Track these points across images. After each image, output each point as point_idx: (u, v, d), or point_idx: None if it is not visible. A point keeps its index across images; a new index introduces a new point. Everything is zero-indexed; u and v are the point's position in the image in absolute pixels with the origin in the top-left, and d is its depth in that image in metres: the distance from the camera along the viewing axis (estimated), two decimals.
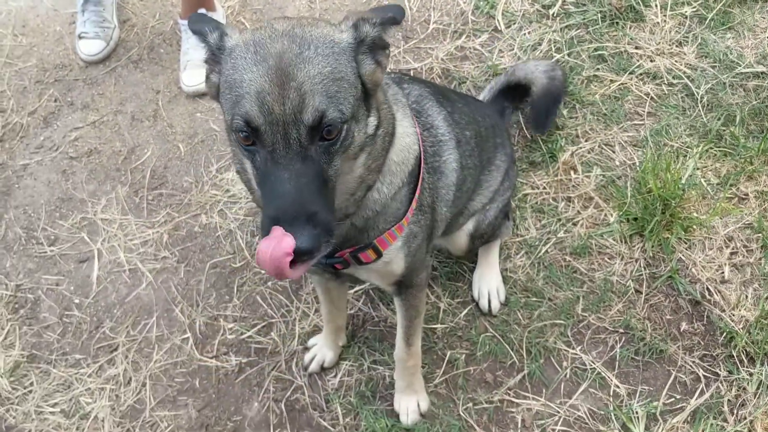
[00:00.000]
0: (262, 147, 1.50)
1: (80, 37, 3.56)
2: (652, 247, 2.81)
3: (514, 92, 3.05)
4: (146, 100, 3.47)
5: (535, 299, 2.79)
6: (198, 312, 2.90)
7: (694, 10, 3.37)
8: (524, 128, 3.15)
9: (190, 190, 3.19)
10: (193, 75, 3.39)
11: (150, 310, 2.94)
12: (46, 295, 3.00)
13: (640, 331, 2.68)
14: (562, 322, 2.73)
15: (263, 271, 2.87)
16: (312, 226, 1.43)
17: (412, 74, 3.33)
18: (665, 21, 3.35)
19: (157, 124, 3.40)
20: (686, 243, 2.84)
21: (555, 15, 3.43)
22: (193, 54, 3.42)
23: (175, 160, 3.29)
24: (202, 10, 3.42)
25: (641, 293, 2.76)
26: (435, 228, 2.20)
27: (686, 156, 3.00)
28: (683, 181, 2.88)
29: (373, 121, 1.65)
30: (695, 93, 3.15)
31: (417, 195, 1.93)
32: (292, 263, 1.43)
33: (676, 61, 3.26)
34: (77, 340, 2.90)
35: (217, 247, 3.05)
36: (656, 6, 3.38)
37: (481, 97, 3.07)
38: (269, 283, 2.93)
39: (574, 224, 2.93)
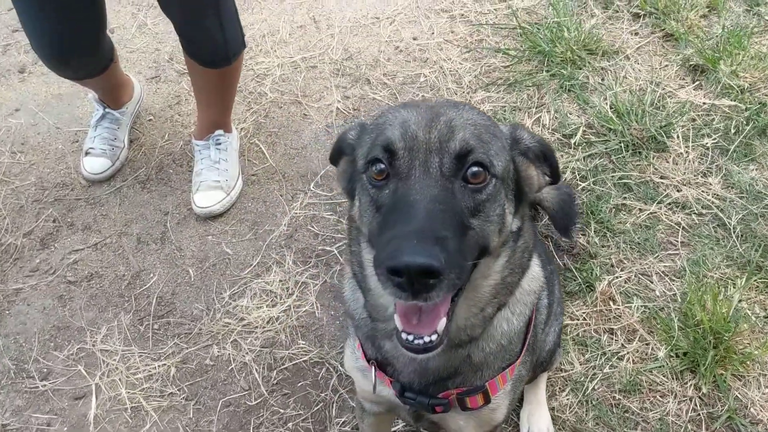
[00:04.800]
0: (395, 176, 1.44)
1: (86, 154, 3.45)
2: (706, 384, 2.68)
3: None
4: (153, 221, 3.33)
5: None
6: None
7: (715, 141, 3.44)
8: (557, 258, 3.08)
9: (200, 318, 2.99)
10: (206, 196, 3.28)
11: None
12: None
13: None
14: None
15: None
16: (439, 248, 1.27)
17: None
18: (688, 152, 3.41)
19: (164, 248, 3.23)
20: (741, 380, 2.72)
21: (576, 144, 3.46)
22: (206, 175, 3.33)
23: (184, 286, 3.11)
24: (219, 132, 3.38)
25: None
26: None
27: (727, 287, 2.95)
28: (729, 314, 2.80)
29: (517, 222, 1.60)
30: (727, 223, 3.15)
31: (530, 333, 1.83)
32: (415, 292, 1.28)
33: (703, 191, 3.28)
34: None
35: (231, 383, 2.82)
36: (678, 137, 3.45)
37: None
38: (290, 424, 2.70)
39: (620, 359, 2.80)
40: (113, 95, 3.52)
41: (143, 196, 3.42)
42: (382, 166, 1.45)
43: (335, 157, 1.78)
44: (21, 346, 2.94)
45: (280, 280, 3.09)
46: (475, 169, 1.43)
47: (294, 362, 2.85)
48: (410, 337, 1.39)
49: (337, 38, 4.04)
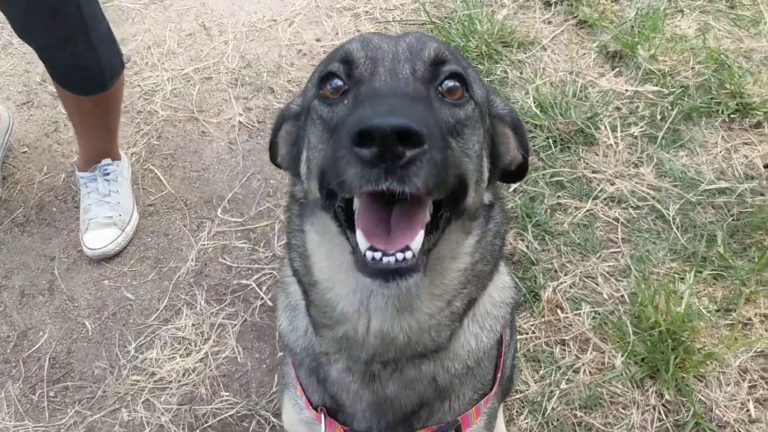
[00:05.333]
0: (355, 86, 1.22)
1: None
2: (668, 390, 2.54)
3: None
4: (38, 269, 2.90)
5: None
6: None
7: (642, 130, 3.33)
8: None
9: (103, 378, 2.61)
10: (98, 236, 2.89)
11: None
12: None
13: None
14: None
15: None
16: (420, 119, 1.03)
17: None
18: (617, 143, 3.27)
19: (54, 299, 2.82)
20: (702, 381, 2.59)
21: None
22: (95, 211, 2.93)
23: (81, 342, 2.71)
24: (107, 161, 2.99)
25: None
26: None
27: (675, 283, 2.82)
28: (681, 311, 2.67)
29: (489, 196, 1.39)
30: (665, 215, 3.03)
31: (502, 357, 1.61)
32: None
33: (636, 182, 3.15)
34: None
35: None
36: (605, 128, 3.31)
37: None
38: None
39: (576, 371, 2.61)
40: None
41: (23, 241, 2.98)
42: (339, 82, 1.23)
43: (276, 145, 1.54)
44: None
45: (193, 324, 2.74)
46: (451, 83, 1.24)
47: (219, 418, 2.51)
48: (377, 255, 1.07)
49: (231, 45, 3.69)
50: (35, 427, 2.50)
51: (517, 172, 1.51)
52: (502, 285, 1.57)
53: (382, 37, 1.28)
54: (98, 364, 2.64)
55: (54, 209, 3.09)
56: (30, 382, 2.61)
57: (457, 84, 1.24)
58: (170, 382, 2.59)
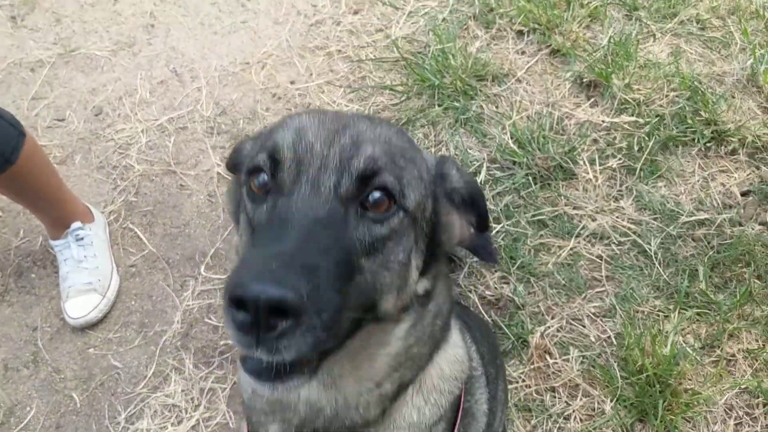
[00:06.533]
0: (277, 190, 1.19)
1: None
2: None
3: None
4: (20, 341, 2.91)
5: None
6: None
7: (620, 162, 3.40)
8: (484, 313, 2.93)
9: None
10: (79, 303, 2.90)
11: None
12: None
13: None
14: None
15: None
16: (305, 280, 1.01)
17: None
18: (596, 176, 3.34)
19: (39, 371, 2.83)
20: (690, 422, 2.68)
21: (483, 182, 3.32)
22: (73, 278, 2.94)
23: (70, 416, 2.73)
24: (76, 224, 2.99)
25: None
26: None
27: (660, 322, 2.90)
28: (666, 352, 2.75)
29: (425, 284, 1.35)
30: (647, 249, 3.10)
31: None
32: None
33: (617, 217, 3.23)
34: None
35: None
36: (584, 162, 3.38)
37: None
38: None
39: (567, 419, 2.69)
40: None
41: (4, 312, 2.98)
42: (265, 177, 1.22)
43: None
44: None
45: (183, 390, 2.77)
46: (378, 195, 1.19)
47: None
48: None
49: (205, 91, 3.71)
50: None
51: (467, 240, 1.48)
52: (453, 358, 1.55)
53: (318, 132, 1.23)
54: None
55: (33, 275, 3.09)
56: None
57: (384, 197, 1.20)
58: None
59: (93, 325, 2.92)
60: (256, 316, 0.97)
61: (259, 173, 1.23)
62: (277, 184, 1.20)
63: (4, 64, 3.78)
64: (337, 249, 1.11)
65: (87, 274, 2.95)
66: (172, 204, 3.31)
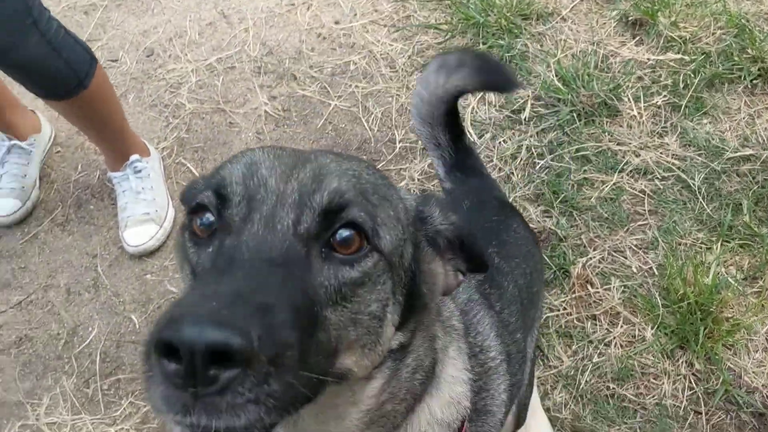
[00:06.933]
0: (223, 230, 1.02)
1: None
2: (698, 359, 2.68)
3: (453, 126, 2.22)
4: (82, 267, 3.07)
5: None
6: None
7: (666, 99, 3.41)
8: None
9: None
10: (137, 233, 3.05)
11: None
12: None
13: None
14: None
15: None
16: (257, 321, 0.82)
17: None
18: (640, 113, 3.37)
19: (99, 295, 2.99)
20: (731, 349, 2.73)
21: (527, 119, 3.37)
22: (132, 209, 3.08)
23: (130, 336, 2.89)
24: (135, 157, 3.13)
25: (700, 413, 2.60)
26: None
27: (702, 254, 2.94)
28: (708, 282, 2.80)
29: (400, 338, 1.16)
30: (691, 185, 3.13)
31: None
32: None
33: (661, 153, 3.26)
34: None
35: None
36: (628, 99, 3.40)
37: (436, 157, 2.33)
38: None
39: (607, 345, 2.76)
40: (2, 118, 3.17)
41: (65, 240, 3.15)
42: (210, 217, 1.05)
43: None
44: None
45: None
46: (346, 232, 1.02)
47: None
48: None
49: (252, 32, 3.80)
50: (92, 419, 2.70)
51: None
52: (449, 399, 1.35)
53: (273, 166, 1.07)
54: None
55: (92, 207, 3.25)
56: (83, 377, 2.80)
57: (353, 235, 1.03)
58: None
59: (150, 253, 3.06)
60: (191, 364, 0.77)
61: (203, 213, 1.06)
62: (224, 223, 1.03)
63: (59, 8, 3.92)
64: (295, 294, 0.92)
65: (145, 205, 3.09)
66: (221, 141, 3.43)
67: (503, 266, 1.94)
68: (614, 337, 2.77)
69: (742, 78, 3.42)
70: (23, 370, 2.82)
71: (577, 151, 3.27)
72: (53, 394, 2.76)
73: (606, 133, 3.31)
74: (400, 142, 3.37)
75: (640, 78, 3.49)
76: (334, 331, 0.99)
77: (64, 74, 2.67)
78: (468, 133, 3.35)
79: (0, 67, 2.61)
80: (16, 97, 3.27)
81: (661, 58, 3.53)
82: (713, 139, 3.29)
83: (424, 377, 1.26)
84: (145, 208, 3.08)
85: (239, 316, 0.80)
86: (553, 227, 3.04)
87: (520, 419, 2.37)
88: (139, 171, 3.12)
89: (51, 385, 2.78)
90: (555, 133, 3.33)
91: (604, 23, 3.70)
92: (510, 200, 3.10)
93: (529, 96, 3.45)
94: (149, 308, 2.95)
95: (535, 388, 2.62)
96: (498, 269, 1.91)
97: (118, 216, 3.13)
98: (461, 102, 3.39)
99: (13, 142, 3.20)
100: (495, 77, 2.13)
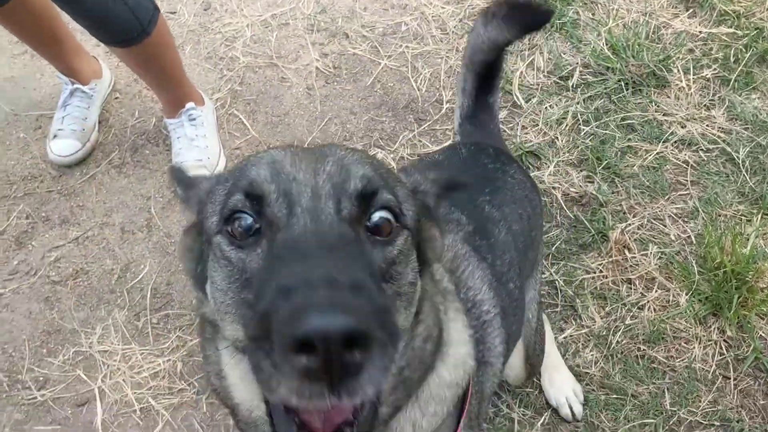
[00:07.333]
0: (270, 229, 1.06)
1: (54, 137, 3.30)
2: (731, 326, 2.73)
3: (487, 79, 2.31)
4: (136, 208, 3.23)
5: (616, 397, 2.64)
6: None
7: (715, 72, 3.43)
8: (566, 209, 3.07)
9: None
10: None
11: None
12: None
13: (737, 421, 2.57)
14: (651, 420, 2.59)
15: None
16: (363, 300, 0.88)
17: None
18: (689, 85, 3.39)
19: (152, 235, 3.15)
20: (764, 319, 2.78)
21: (575, 86, 3.42)
22: (185, 155, 3.22)
23: (179, 275, 3.03)
24: (190, 104, 3.26)
25: (729, 379, 2.67)
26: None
27: (742, 225, 2.98)
28: (746, 251, 2.84)
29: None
30: (735, 158, 3.17)
31: (463, 418, 1.46)
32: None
33: (707, 125, 3.28)
34: None
35: None
36: (678, 70, 3.43)
37: (461, 114, 2.42)
38: None
39: (641, 308, 2.83)
40: (67, 62, 3.33)
41: (121, 182, 3.31)
42: (249, 219, 1.08)
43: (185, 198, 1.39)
44: (11, 356, 2.86)
45: None
46: (383, 214, 1.10)
47: None
48: None
49: None
50: (141, 350, 2.86)
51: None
52: (455, 361, 1.39)
53: (295, 163, 1.12)
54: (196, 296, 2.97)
55: (147, 152, 3.40)
56: (134, 310, 2.96)
57: (388, 216, 1.11)
58: None
59: None
60: (327, 355, 0.82)
61: (239, 217, 1.09)
62: (267, 222, 1.07)
63: None
64: (368, 270, 1.00)
65: (198, 152, 3.22)
66: (273, 95, 3.54)
67: (495, 214, 1.98)
68: (648, 301, 2.84)
69: None
70: (78, 301, 2.98)
71: (623, 119, 3.32)
72: (105, 324, 2.92)
73: (653, 103, 3.35)
74: (447, 102, 3.45)
75: (690, 50, 3.51)
76: (390, 301, 1.08)
77: (129, 22, 2.79)
78: (515, 98, 3.42)
79: (69, 13, 2.75)
80: (80, 43, 3.42)
81: (713, 31, 3.54)
82: (761, 114, 3.31)
83: (434, 347, 1.32)
84: (198, 155, 3.22)
85: (350, 300, 0.85)
86: (594, 192, 3.10)
87: (534, 368, 2.45)
88: (194, 119, 3.25)
89: (104, 317, 2.94)
90: (602, 100, 3.38)
91: None
92: (552, 165, 3.17)
93: (578, 63, 3.49)
94: None
95: (553, 348, 2.70)
96: (489, 218, 1.95)
97: (171, 161, 3.27)
98: (509, 66, 3.46)
99: (76, 86, 3.35)
100: (523, 15, 2.12)
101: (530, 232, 2.14)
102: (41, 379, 2.81)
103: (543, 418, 2.62)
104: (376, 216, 1.09)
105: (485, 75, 2.27)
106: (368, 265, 1.02)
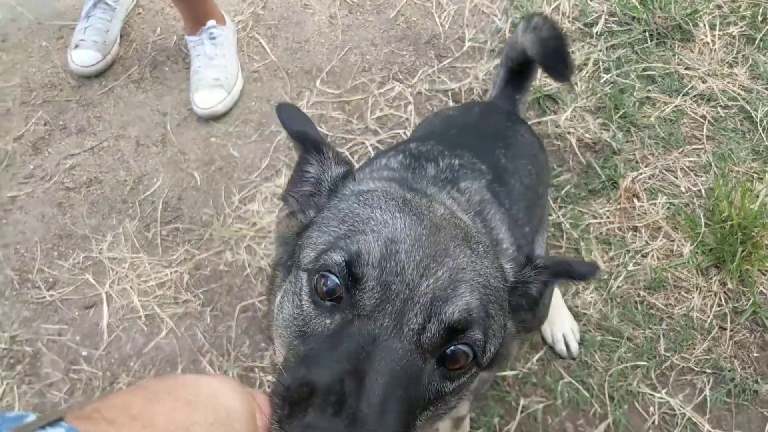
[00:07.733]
0: (351, 312, 1.08)
1: (76, 47, 3.33)
2: (732, 279, 2.77)
3: (518, 77, 2.54)
4: (152, 123, 3.27)
5: (611, 338, 2.69)
6: (230, 363, 2.69)
7: (741, 30, 3.41)
8: (579, 154, 3.09)
9: (210, 224, 2.99)
10: (207, 96, 3.21)
11: (173, 362, 2.71)
12: (47, 348, 2.74)
13: (729, 371, 2.62)
14: (644, 363, 2.64)
15: None
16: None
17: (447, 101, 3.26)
18: (714, 41, 3.37)
19: (166, 150, 3.19)
20: (765, 274, 2.81)
21: (598, 34, 3.41)
22: (204, 73, 3.24)
23: (191, 191, 3.09)
24: (211, 23, 3.27)
25: (725, 329, 2.71)
26: None
27: (753, 181, 2.99)
28: (754, 207, 2.86)
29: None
30: (753, 116, 3.16)
31: None
32: None
33: (728, 82, 3.27)
34: (88, 399, 2.64)
35: (247, 288, 2.85)
36: (704, 25, 3.41)
37: (490, 95, 2.71)
38: None
39: (644, 256, 2.87)
40: None
41: (138, 97, 3.34)
42: (335, 286, 1.11)
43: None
44: (22, 256, 2.93)
45: None
46: (462, 348, 1.11)
47: None
48: None
49: None
50: (149, 259, 2.92)
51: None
52: None
53: (413, 250, 1.11)
54: (205, 211, 3.02)
55: (166, 69, 3.42)
56: (145, 222, 3.02)
57: (467, 352, 1.12)
58: (269, 232, 2.96)
59: (217, 118, 3.23)
60: None
61: (328, 279, 1.11)
62: (353, 304, 1.08)
63: None
64: (406, 406, 1.04)
65: (216, 70, 3.24)
66: (295, 21, 3.55)
67: (509, 166, 2.07)
68: (652, 250, 2.87)
69: None
70: (91, 209, 3.05)
71: (644, 70, 3.31)
72: (116, 233, 2.98)
73: (675, 56, 3.34)
74: (469, 41, 3.44)
75: (719, 6, 3.48)
76: (419, 424, 1.11)
77: None
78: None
79: None
80: None
81: None
82: None
83: None
84: (216, 74, 3.24)
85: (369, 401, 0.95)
86: (608, 140, 3.12)
87: (540, 320, 2.46)
88: (214, 38, 3.27)
89: (114, 225, 3.01)
90: (624, 50, 3.37)
91: None
92: (569, 110, 3.18)
93: (604, 11, 3.47)
94: (211, 168, 3.13)
95: (555, 288, 2.74)
96: (505, 169, 2.04)
97: (190, 78, 3.30)
98: (533, 8, 3.44)
99: None
100: (553, 58, 2.32)
101: (537, 188, 2.22)
102: (51, 280, 2.88)
103: (538, 354, 2.68)
104: (457, 348, 1.11)
105: (517, 72, 2.49)
106: (408, 405, 1.04)
